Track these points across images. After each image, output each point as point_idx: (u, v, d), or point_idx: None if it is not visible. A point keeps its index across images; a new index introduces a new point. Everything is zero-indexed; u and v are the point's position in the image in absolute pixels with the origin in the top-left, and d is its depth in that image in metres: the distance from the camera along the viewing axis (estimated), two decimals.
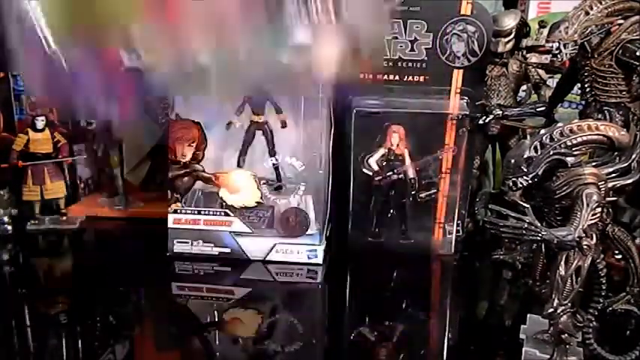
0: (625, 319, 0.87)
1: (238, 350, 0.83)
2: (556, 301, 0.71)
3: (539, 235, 0.67)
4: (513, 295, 1.05)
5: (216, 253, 1.12)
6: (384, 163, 1.12)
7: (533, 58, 1.23)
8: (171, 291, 1.04)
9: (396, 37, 1.09)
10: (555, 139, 0.69)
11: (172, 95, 1.09)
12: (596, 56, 0.94)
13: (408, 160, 1.12)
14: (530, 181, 0.70)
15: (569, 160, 0.69)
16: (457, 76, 1.11)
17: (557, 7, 1.43)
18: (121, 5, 0.89)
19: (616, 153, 0.71)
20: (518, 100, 1.26)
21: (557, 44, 1.00)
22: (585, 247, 0.68)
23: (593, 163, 0.71)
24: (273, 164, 1.11)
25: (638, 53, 0.89)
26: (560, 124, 0.70)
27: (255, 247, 1.12)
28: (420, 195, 1.14)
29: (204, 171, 1.11)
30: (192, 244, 1.12)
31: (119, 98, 0.99)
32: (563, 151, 0.69)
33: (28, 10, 0.91)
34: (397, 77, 1.12)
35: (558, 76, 1.15)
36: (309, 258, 1.11)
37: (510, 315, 0.98)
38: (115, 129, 1.28)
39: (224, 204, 1.11)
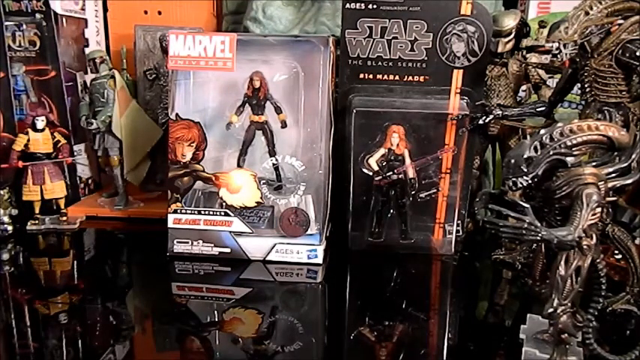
0: (625, 319, 0.87)
1: (238, 350, 0.83)
2: (556, 301, 0.71)
3: (539, 235, 0.67)
4: (513, 295, 1.05)
5: (216, 253, 1.12)
6: (384, 163, 1.12)
7: (533, 58, 1.23)
8: (171, 291, 1.04)
9: (396, 37, 1.10)
10: (555, 139, 0.69)
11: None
12: (596, 56, 0.94)
13: (408, 160, 1.12)
14: (530, 181, 0.70)
15: (569, 160, 0.69)
16: (457, 76, 1.11)
17: (557, 7, 1.43)
18: None
19: (616, 153, 0.71)
20: (518, 100, 1.26)
21: (557, 44, 1.00)
22: (585, 247, 0.68)
23: (593, 163, 0.71)
24: (273, 164, 1.11)
25: (638, 53, 0.89)
26: (560, 124, 0.70)
27: (255, 247, 1.12)
28: (420, 195, 1.14)
29: (204, 171, 1.11)
30: (192, 244, 1.12)
31: None
32: (563, 151, 0.69)
33: None
34: (397, 77, 1.12)
35: (558, 76, 1.15)
36: (309, 258, 1.11)
37: (510, 315, 0.98)
38: None
39: (224, 204, 1.11)
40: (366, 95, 1.13)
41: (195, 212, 1.12)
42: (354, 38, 1.11)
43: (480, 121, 1.11)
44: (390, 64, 1.11)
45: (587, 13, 0.89)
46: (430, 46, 1.10)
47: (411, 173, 1.12)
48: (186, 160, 1.11)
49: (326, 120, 1.09)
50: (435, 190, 1.14)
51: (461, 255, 1.18)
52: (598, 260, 0.72)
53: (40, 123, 1.28)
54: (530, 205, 0.68)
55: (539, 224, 0.67)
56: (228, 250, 1.12)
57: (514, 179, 0.70)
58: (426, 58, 1.10)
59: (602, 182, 0.69)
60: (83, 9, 1.50)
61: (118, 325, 0.90)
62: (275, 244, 1.11)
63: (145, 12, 1.53)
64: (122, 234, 1.32)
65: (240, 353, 0.82)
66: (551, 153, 0.69)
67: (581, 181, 0.68)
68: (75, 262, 1.19)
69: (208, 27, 1.55)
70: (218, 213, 1.12)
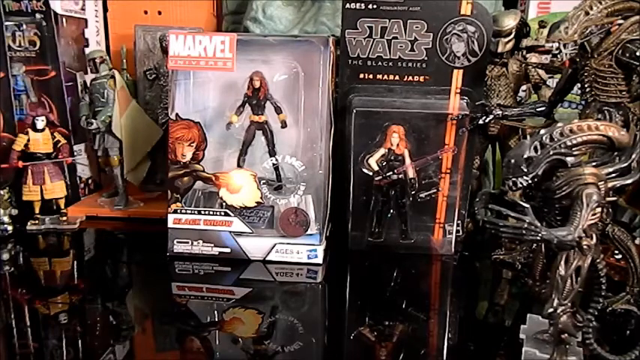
0: (625, 319, 0.87)
1: (238, 350, 0.83)
2: (556, 301, 0.71)
3: (539, 235, 0.67)
4: (513, 295, 1.05)
5: (216, 253, 1.12)
6: (384, 163, 1.12)
7: (533, 58, 1.23)
8: (171, 291, 1.04)
9: (396, 37, 1.10)
10: (555, 139, 0.69)
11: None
12: (596, 56, 0.94)
13: (408, 160, 1.12)
14: (530, 181, 0.70)
15: (569, 160, 0.69)
16: (457, 76, 1.11)
17: (557, 7, 1.43)
18: None
19: (616, 153, 0.71)
20: (518, 100, 1.26)
21: (557, 44, 1.00)
22: (585, 247, 0.68)
23: (593, 163, 0.71)
24: (273, 164, 1.11)
25: (638, 53, 0.89)
26: (560, 124, 0.70)
27: (255, 247, 1.12)
28: (420, 195, 1.14)
29: (204, 171, 1.11)
30: (192, 244, 1.12)
31: None
32: (563, 151, 0.69)
33: None
34: (397, 77, 1.12)
35: (558, 76, 1.15)
36: (309, 258, 1.11)
37: (510, 315, 0.98)
38: None
39: (224, 204, 1.11)
40: (366, 95, 1.13)
41: (195, 212, 1.12)
42: (354, 38, 1.11)
43: (480, 121, 1.10)
44: (390, 64, 1.11)
45: (587, 13, 0.89)
46: (430, 46, 1.10)
47: (411, 173, 1.12)
48: (186, 160, 1.11)
49: (326, 120, 1.09)
50: (435, 190, 1.14)
51: (461, 255, 1.18)
52: (598, 260, 0.72)
53: (40, 123, 1.28)
54: (530, 205, 0.68)
55: (539, 224, 0.67)
56: (228, 250, 1.12)
57: (514, 179, 0.70)
58: (426, 58, 1.10)
59: (602, 182, 0.69)
60: (83, 9, 1.50)
61: (118, 325, 0.90)
62: (275, 244, 1.11)
63: (145, 12, 1.53)
64: (122, 234, 1.32)
65: (240, 353, 0.82)
66: (551, 153, 0.69)
67: (581, 181, 0.68)
68: (75, 262, 1.19)
69: (208, 27, 1.55)
70: (218, 213, 1.12)
